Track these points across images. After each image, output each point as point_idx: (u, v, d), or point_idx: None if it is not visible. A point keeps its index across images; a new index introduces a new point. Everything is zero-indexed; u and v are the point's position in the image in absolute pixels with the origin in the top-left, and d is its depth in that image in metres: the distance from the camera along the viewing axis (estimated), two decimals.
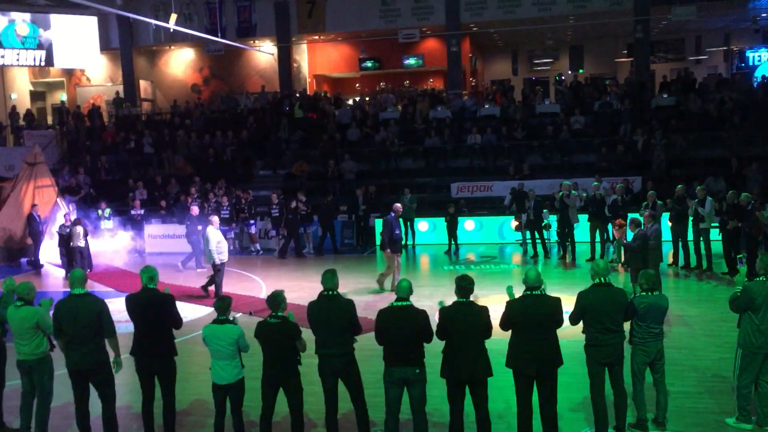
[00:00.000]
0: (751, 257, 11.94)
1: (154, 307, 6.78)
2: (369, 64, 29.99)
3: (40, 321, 6.71)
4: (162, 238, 19.22)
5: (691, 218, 14.12)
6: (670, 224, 14.50)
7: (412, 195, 18.28)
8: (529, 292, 6.37)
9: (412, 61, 29.69)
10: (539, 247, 16.21)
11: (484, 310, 6.30)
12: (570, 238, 15.65)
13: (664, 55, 32.50)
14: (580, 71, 32.29)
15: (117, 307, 7.69)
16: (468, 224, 18.51)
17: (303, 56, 29.77)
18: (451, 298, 6.46)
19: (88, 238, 16.33)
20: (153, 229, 19.35)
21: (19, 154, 21.78)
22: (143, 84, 30.61)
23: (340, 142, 22.78)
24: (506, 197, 17.89)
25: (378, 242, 17.96)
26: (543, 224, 16.04)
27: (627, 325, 6.72)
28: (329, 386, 6.59)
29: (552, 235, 16.43)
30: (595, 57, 33.31)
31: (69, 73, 30.88)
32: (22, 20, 26.71)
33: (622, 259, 13.86)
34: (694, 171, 18.54)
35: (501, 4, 25.26)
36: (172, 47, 30.49)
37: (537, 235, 16.21)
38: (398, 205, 13.93)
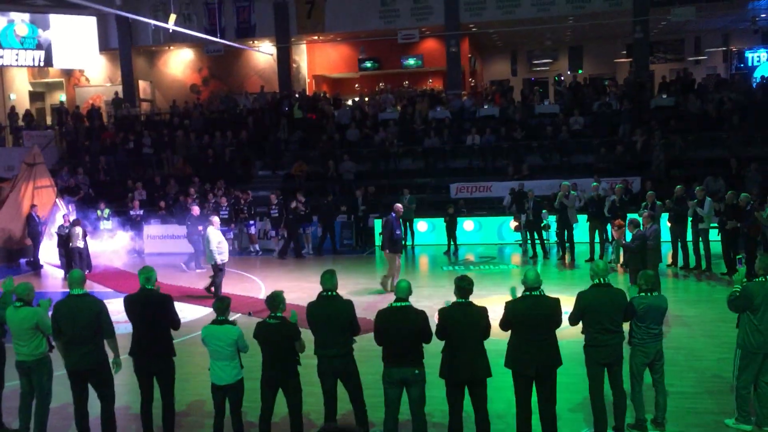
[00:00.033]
0: (750, 258, 11.93)
1: (151, 308, 6.78)
2: (368, 64, 29.99)
3: (40, 322, 6.71)
4: (161, 239, 19.22)
5: (690, 219, 14.12)
6: (669, 225, 14.52)
7: (411, 195, 18.27)
8: (528, 293, 6.37)
9: (411, 61, 29.70)
10: (538, 248, 16.21)
11: (484, 311, 6.30)
12: (569, 239, 15.65)
13: (663, 55, 32.52)
14: (579, 72, 32.31)
15: (116, 308, 7.68)
16: (467, 225, 18.51)
17: (302, 57, 29.77)
18: (450, 299, 6.46)
19: (87, 238, 16.33)
20: (152, 229, 19.34)
21: (18, 155, 21.76)
22: (142, 84, 30.59)
23: (339, 142, 22.78)
24: (505, 198, 17.87)
25: (377, 243, 18.01)
26: (542, 225, 16.05)
27: (626, 326, 6.72)
28: (328, 387, 6.59)
29: (551, 236, 16.44)
30: (594, 57, 33.33)
31: (68, 73, 30.86)
32: (21, 20, 26.70)
33: (621, 259, 13.88)
34: (693, 171, 18.55)
35: (500, 4, 25.26)
36: (171, 47, 30.48)
37: (536, 236, 16.22)
38: (399, 205, 13.92)
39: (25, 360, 6.78)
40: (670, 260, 14.67)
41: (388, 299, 8.57)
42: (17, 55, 26.84)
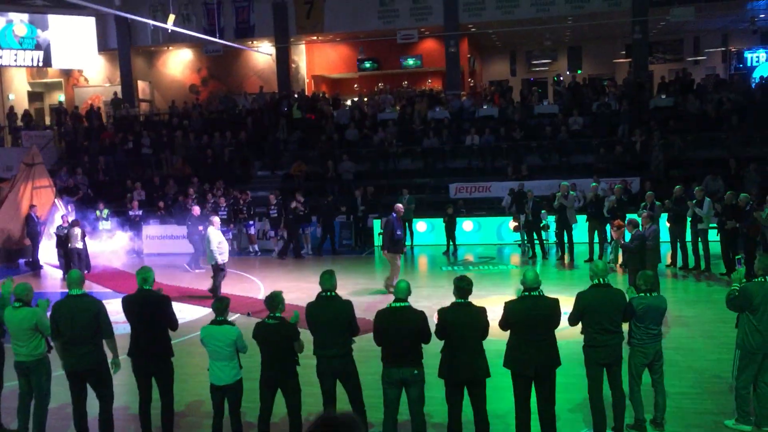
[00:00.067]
0: (750, 258, 11.91)
1: (149, 308, 6.77)
2: (367, 64, 29.99)
3: (39, 322, 6.70)
4: (160, 239, 19.20)
5: (689, 219, 14.13)
6: (668, 225, 14.52)
7: (411, 196, 18.27)
8: (527, 293, 6.37)
9: (410, 61, 29.70)
10: (537, 248, 16.21)
11: (483, 311, 6.30)
12: (568, 239, 15.65)
13: (662, 55, 32.53)
14: (579, 72, 32.31)
15: (115, 308, 7.67)
16: (466, 225, 18.51)
17: (301, 57, 29.76)
18: (449, 300, 6.46)
19: (86, 239, 16.31)
20: (151, 229, 19.32)
21: (17, 155, 21.75)
22: (141, 84, 30.58)
23: (338, 142, 22.77)
24: (504, 198, 17.85)
25: (376, 243, 18.00)
26: (541, 225, 16.05)
27: (626, 326, 6.72)
28: (328, 387, 6.58)
29: (550, 236, 16.43)
30: (593, 58, 33.34)
31: (67, 73, 30.85)
32: (19, 21, 26.67)
33: (619, 260, 13.88)
34: (692, 172, 18.55)
35: (499, 4, 25.27)
36: (170, 48, 30.47)
37: (535, 236, 16.21)
38: (399, 205, 13.89)
39: (24, 360, 6.77)
40: (669, 260, 14.68)
41: (387, 300, 8.56)
42: (16, 55, 26.81)
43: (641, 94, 22.68)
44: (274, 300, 6.46)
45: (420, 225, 18.70)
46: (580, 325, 6.67)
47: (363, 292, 13.08)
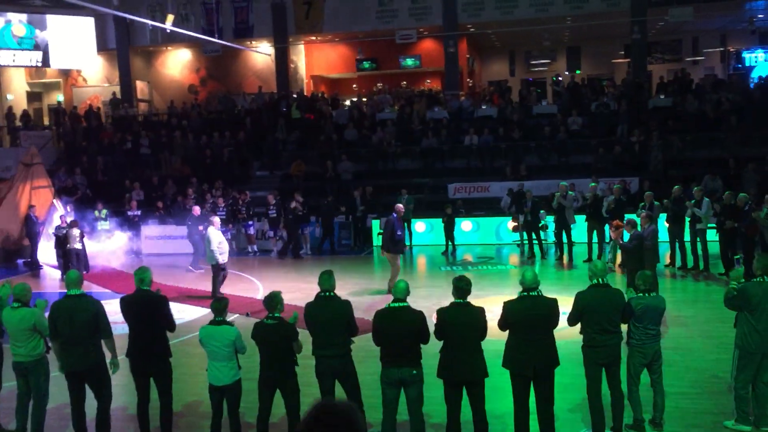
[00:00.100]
0: (748, 258, 11.92)
1: (147, 309, 6.77)
2: (366, 64, 29.99)
3: (37, 322, 6.70)
4: (159, 239, 19.19)
5: (688, 219, 14.13)
6: (667, 225, 14.53)
7: (409, 196, 18.27)
8: (526, 293, 6.37)
9: (409, 61, 29.70)
10: (536, 248, 16.21)
11: (481, 311, 6.30)
12: (567, 239, 15.65)
13: (661, 56, 32.52)
14: (577, 72, 32.28)
15: (114, 308, 7.66)
16: (465, 225, 18.51)
17: (300, 57, 29.76)
18: (448, 300, 6.46)
19: (85, 239, 16.29)
20: (150, 230, 19.30)
21: (16, 155, 21.72)
22: (140, 85, 30.57)
23: (337, 142, 22.76)
24: (504, 199, 17.83)
25: (375, 243, 17.99)
26: (540, 225, 16.05)
27: (624, 326, 6.72)
28: (326, 387, 6.58)
29: (549, 236, 16.43)
30: (592, 58, 33.34)
31: (66, 73, 30.82)
32: (18, 21, 26.63)
33: (618, 260, 13.87)
34: (691, 172, 18.56)
35: (498, 4, 25.27)
36: (169, 48, 30.45)
37: (534, 236, 16.21)
38: (400, 205, 13.88)
39: (22, 361, 6.77)
40: (668, 260, 14.68)
41: (386, 300, 8.56)
42: (14, 55, 26.77)
43: (640, 94, 22.69)
44: (273, 300, 6.46)
45: (419, 225, 18.70)
46: (578, 325, 6.67)
47: (362, 292, 13.08)
